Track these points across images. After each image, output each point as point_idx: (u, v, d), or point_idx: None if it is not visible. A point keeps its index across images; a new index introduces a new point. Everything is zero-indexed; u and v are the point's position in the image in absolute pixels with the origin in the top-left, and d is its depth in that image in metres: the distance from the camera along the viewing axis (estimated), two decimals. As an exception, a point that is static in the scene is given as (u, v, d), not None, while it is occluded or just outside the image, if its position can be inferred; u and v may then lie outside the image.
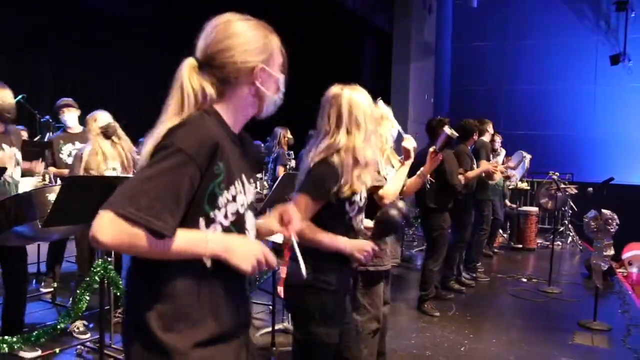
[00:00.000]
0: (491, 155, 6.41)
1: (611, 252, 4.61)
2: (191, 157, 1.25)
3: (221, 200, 1.34)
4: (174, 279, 1.32)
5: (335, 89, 2.24)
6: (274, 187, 3.73)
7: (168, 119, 1.33)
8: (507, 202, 8.97)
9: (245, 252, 1.34)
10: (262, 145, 7.15)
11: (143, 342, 1.32)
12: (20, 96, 6.38)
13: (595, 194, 8.40)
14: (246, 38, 1.40)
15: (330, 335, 2.17)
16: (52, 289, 4.85)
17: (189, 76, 1.37)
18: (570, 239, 8.97)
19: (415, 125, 10.20)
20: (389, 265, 3.14)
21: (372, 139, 2.25)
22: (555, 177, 6.65)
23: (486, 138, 6.29)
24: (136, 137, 4.69)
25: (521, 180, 9.99)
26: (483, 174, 5.74)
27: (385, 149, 3.22)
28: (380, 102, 3.22)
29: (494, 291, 5.90)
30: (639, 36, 11.53)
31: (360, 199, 2.23)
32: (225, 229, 1.37)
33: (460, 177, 5.12)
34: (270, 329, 3.89)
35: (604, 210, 4.60)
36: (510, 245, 8.42)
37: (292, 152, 6.76)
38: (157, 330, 1.30)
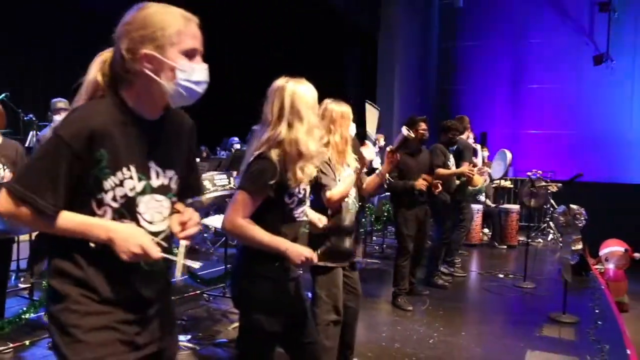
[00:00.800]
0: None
1: (579, 246, 4.71)
2: (67, 143, 1.38)
3: (107, 184, 1.45)
4: (71, 243, 1.46)
5: (279, 82, 2.25)
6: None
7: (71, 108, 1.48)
8: (488, 201, 9.08)
9: (125, 243, 1.42)
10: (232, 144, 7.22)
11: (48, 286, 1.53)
12: (3, 95, 6.44)
13: (574, 192, 8.53)
14: (141, 24, 1.42)
15: (271, 323, 2.19)
16: (29, 285, 4.89)
17: (92, 65, 1.51)
18: (551, 236, 9.08)
19: (401, 124, 10.28)
20: (346, 262, 3.19)
21: (316, 132, 2.25)
22: (529, 174, 6.73)
23: (464, 136, 6.39)
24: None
25: (504, 178, 10.11)
26: (463, 177, 5.81)
27: (346, 149, 3.23)
28: (368, 105, 3.27)
29: (470, 287, 6.00)
30: (621, 36, 11.69)
31: (300, 191, 2.24)
32: (116, 211, 1.47)
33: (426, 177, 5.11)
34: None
35: (572, 206, 4.70)
36: (492, 244, 8.52)
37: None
38: (51, 275, 1.50)
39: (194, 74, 1.47)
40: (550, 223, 9.19)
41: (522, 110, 12.65)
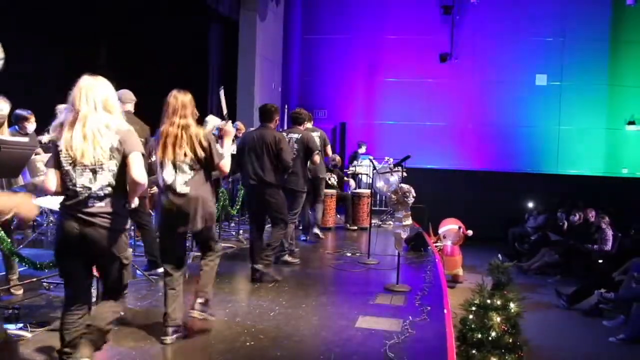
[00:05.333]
0: None
1: (409, 221, 5.16)
2: None
3: None
4: None
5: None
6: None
7: None
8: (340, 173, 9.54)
9: None
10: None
11: None
12: None
13: (423, 178, 9.31)
14: None
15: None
16: None
17: None
18: (400, 218, 9.78)
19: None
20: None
21: None
22: (371, 158, 7.21)
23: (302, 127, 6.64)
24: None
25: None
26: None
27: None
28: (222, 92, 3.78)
29: (318, 264, 6.32)
30: (462, 38, 12.86)
31: None
32: None
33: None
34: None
35: (402, 185, 5.14)
36: (345, 226, 8.99)
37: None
38: None
39: None
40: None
41: (379, 102, 13.43)
